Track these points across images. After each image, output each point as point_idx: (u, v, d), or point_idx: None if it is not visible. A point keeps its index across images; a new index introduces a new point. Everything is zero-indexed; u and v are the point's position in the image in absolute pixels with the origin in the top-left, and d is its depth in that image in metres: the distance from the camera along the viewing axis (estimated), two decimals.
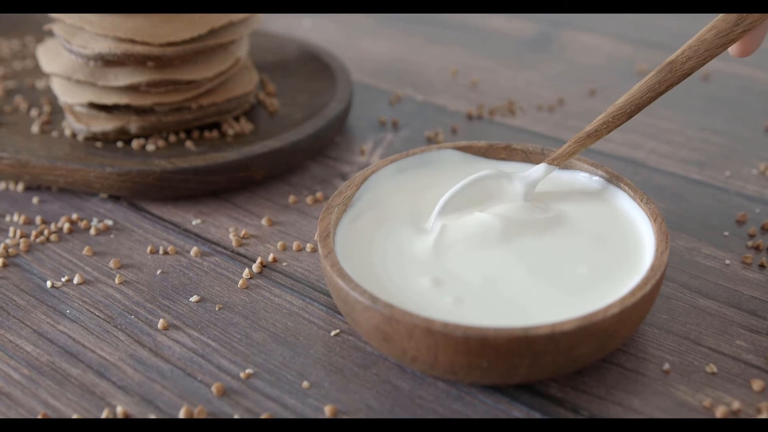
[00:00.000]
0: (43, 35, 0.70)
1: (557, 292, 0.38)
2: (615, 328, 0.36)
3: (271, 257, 0.47)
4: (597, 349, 0.36)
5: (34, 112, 0.58)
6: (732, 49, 0.41)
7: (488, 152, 0.47)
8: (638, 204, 0.42)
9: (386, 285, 0.38)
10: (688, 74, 0.41)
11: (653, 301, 0.38)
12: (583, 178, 0.45)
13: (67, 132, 0.56)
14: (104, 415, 0.37)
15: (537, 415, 0.37)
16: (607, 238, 0.41)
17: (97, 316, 0.43)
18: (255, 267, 0.46)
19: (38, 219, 0.50)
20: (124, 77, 0.53)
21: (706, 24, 0.44)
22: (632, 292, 0.36)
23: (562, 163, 0.43)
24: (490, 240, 0.40)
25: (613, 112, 0.42)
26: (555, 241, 0.41)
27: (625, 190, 0.43)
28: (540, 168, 0.43)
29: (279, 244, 0.48)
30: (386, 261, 0.40)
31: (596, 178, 0.44)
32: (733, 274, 0.45)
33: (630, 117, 0.42)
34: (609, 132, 0.42)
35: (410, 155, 0.46)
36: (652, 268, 0.38)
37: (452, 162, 0.46)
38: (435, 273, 0.39)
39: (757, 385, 0.38)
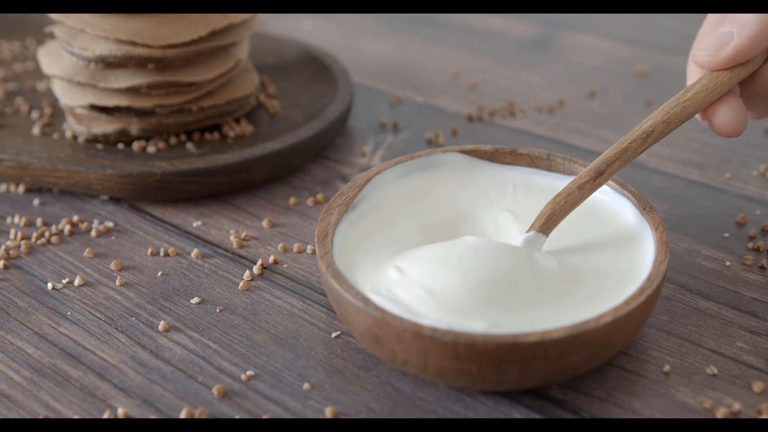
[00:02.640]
0: (43, 37, 0.70)
1: (552, 299, 0.38)
2: (607, 337, 0.36)
3: (271, 259, 0.47)
4: (589, 358, 0.36)
5: (35, 114, 0.59)
6: (716, 129, 0.42)
7: (494, 156, 0.46)
8: (640, 212, 0.42)
9: (383, 288, 0.38)
10: (650, 133, 0.41)
11: (650, 310, 0.38)
12: None
13: (68, 134, 0.56)
14: (105, 416, 0.37)
15: (537, 417, 0.37)
16: (606, 245, 0.41)
17: (98, 318, 0.43)
18: (256, 269, 0.46)
19: (39, 221, 0.50)
20: (124, 79, 0.53)
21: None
22: (626, 302, 0.36)
23: (546, 230, 0.40)
24: (484, 251, 0.39)
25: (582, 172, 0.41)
26: (553, 246, 0.41)
27: (628, 198, 0.42)
28: (520, 240, 0.40)
29: (280, 246, 0.48)
30: (385, 263, 0.40)
31: None
32: (733, 276, 0.45)
33: (599, 174, 0.41)
34: (581, 191, 0.41)
35: (415, 158, 0.46)
36: (649, 278, 0.37)
37: (457, 165, 0.46)
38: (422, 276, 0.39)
39: (757, 386, 0.38)
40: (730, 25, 0.41)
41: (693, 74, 0.44)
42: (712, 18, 0.44)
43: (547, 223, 0.40)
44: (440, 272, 0.38)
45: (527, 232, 0.40)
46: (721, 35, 0.41)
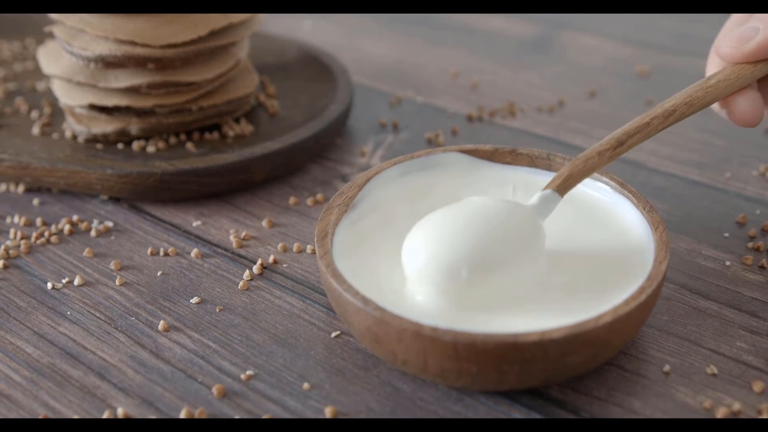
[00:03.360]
0: (43, 37, 0.70)
1: (552, 298, 0.38)
2: (607, 337, 0.35)
3: (271, 259, 0.47)
4: (589, 358, 0.36)
5: (34, 114, 0.59)
6: (735, 118, 0.43)
7: (494, 156, 0.46)
8: (641, 212, 0.41)
9: (383, 288, 0.38)
10: (672, 112, 0.41)
11: (650, 310, 0.38)
12: (586, 183, 0.44)
13: (68, 134, 0.56)
14: (105, 416, 0.37)
15: (537, 417, 0.37)
16: (607, 245, 0.41)
17: (98, 317, 0.43)
18: (255, 268, 0.46)
19: (39, 221, 0.50)
20: (124, 79, 0.53)
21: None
22: (626, 302, 0.36)
23: (562, 190, 0.40)
24: (489, 210, 0.39)
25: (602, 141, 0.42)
26: (553, 246, 0.41)
27: (628, 198, 0.42)
28: (535, 197, 0.40)
29: (279, 246, 0.48)
30: (385, 263, 0.40)
31: (599, 184, 0.44)
32: (733, 276, 0.45)
33: (620, 144, 0.41)
34: (600, 157, 0.41)
35: (414, 158, 0.46)
36: (649, 278, 0.37)
37: (457, 165, 0.46)
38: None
39: (757, 386, 0.38)
40: (756, 21, 0.42)
41: (713, 66, 0.44)
42: (737, 15, 0.45)
43: (564, 184, 0.40)
44: (445, 229, 0.38)
45: (544, 189, 0.40)
46: (746, 29, 0.42)
